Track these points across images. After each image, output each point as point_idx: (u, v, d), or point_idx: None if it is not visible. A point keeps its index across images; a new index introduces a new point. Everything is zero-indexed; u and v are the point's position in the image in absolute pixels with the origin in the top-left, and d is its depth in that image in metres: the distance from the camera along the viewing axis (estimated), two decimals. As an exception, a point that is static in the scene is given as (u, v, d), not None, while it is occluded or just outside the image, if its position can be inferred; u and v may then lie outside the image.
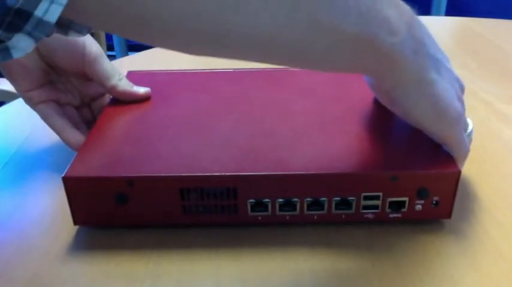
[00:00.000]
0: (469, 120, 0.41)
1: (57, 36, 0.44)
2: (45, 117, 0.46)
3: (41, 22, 0.24)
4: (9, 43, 0.25)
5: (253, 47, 0.30)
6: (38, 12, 0.24)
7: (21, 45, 0.25)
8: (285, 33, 0.29)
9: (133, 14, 0.27)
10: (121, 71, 0.49)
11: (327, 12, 0.30)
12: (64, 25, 0.37)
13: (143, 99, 0.48)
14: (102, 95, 0.51)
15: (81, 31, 0.38)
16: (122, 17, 0.27)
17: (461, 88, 0.40)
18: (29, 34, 0.25)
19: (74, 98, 0.49)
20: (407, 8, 0.35)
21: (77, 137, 0.46)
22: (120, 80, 0.47)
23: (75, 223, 0.38)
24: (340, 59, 0.33)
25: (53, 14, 0.24)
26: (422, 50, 0.35)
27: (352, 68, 0.35)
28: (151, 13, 0.27)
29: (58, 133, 0.47)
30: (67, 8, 0.25)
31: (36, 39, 0.25)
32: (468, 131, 0.41)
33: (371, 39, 0.32)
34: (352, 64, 0.34)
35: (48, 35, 0.31)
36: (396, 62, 0.34)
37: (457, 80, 0.39)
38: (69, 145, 0.46)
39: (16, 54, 0.26)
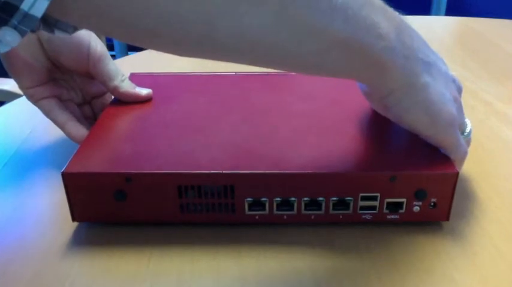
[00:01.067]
0: (467, 121, 0.41)
1: (62, 37, 0.44)
2: (47, 112, 0.47)
3: (27, 16, 0.25)
4: None
5: (240, 50, 0.30)
6: (24, 5, 0.24)
7: (7, 39, 0.26)
8: (271, 38, 0.30)
9: (119, 17, 0.27)
10: (122, 71, 0.49)
11: (313, 17, 0.30)
12: (50, 23, 0.37)
13: (145, 100, 0.48)
14: (104, 93, 0.51)
15: (67, 30, 0.38)
16: (108, 19, 0.27)
17: (458, 89, 0.39)
18: (15, 28, 0.25)
19: (76, 95, 0.50)
20: (395, 14, 0.34)
21: (79, 130, 0.46)
22: (122, 81, 0.48)
23: (74, 219, 0.38)
24: (329, 65, 0.33)
25: (39, 8, 0.25)
26: (413, 55, 0.35)
27: (344, 74, 0.35)
28: (137, 16, 0.27)
29: (61, 127, 0.47)
30: (54, 6, 0.25)
31: (22, 34, 0.26)
32: (467, 131, 0.41)
33: (359, 44, 0.32)
34: (343, 70, 0.34)
35: (33, 31, 0.31)
36: (387, 67, 0.34)
37: (454, 81, 0.39)
38: (72, 138, 0.47)
39: (2, 49, 0.26)
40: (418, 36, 0.37)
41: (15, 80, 0.46)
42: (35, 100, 0.47)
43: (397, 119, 0.38)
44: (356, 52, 0.32)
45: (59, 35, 0.38)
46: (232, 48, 0.30)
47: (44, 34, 0.44)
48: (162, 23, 0.28)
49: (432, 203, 0.37)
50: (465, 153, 0.39)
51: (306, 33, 0.30)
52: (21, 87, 0.46)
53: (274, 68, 0.33)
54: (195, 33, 0.28)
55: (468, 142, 0.41)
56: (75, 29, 0.39)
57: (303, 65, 0.33)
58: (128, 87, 0.48)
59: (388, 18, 0.33)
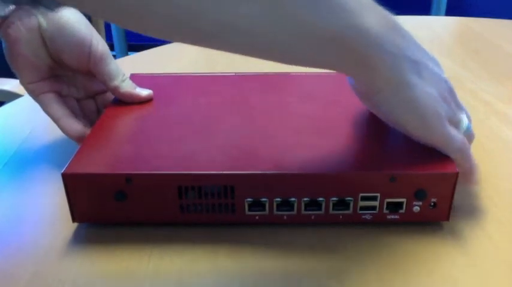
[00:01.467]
0: (463, 116, 0.41)
1: (64, 35, 0.44)
2: (44, 106, 0.47)
3: None
4: None
5: (230, 40, 0.31)
6: None
7: None
8: (260, 28, 0.30)
9: (113, 17, 0.28)
10: (122, 71, 0.49)
11: (309, 14, 0.30)
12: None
13: (145, 101, 0.48)
14: (106, 90, 0.51)
15: (50, 7, 0.38)
16: (102, 16, 0.28)
17: (448, 90, 0.39)
18: None
19: (78, 91, 0.50)
20: (385, 12, 0.34)
21: (74, 125, 0.46)
22: (123, 81, 0.48)
23: (74, 219, 0.38)
24: (318, 58, 0.33)
25: None
26: (402, 53, 0.35)
27: (334, 68, 0.35)
28: (129, 10, 0.27)
29: (56, 121, 0.47)
30: None
31: (5, 2, 0.26)
32: (464, 127, 0.40)
33: (348, 39, 0.32)
34: (332, 64, 0.34)
35: (18, 3, 0.31)
36: (375, 64, 0.34)
37: (445, 81, 0.39)
38: (66, 134, 0.47)
39: None
40: (409, 35, 0.36)
41: (17, 75, 0.46)
42: (35, 95, 0.47)
43: (386, 118, 0.38)
44: (343, 47, 0.32)
45: (44, 11, 0.38)
46: (222, 40, 0.31)
47: (46, 32, 0.45)
48: (150, 7, 0.28)
49: (432, 203, 0.37)
50: (463, 147, 0.38)
51: (297, 29, 0.30)
52: (22, 82, 0.47)
53: (263, 59, 0.34)
54: (183, 20, 0.29)
55: (470, 137, 0.41)
56: (58, 5, 0.39)
57: (292, 58, 0.33)
58: (128, 87, 0.48)
59: (377, 15, 0.33)
